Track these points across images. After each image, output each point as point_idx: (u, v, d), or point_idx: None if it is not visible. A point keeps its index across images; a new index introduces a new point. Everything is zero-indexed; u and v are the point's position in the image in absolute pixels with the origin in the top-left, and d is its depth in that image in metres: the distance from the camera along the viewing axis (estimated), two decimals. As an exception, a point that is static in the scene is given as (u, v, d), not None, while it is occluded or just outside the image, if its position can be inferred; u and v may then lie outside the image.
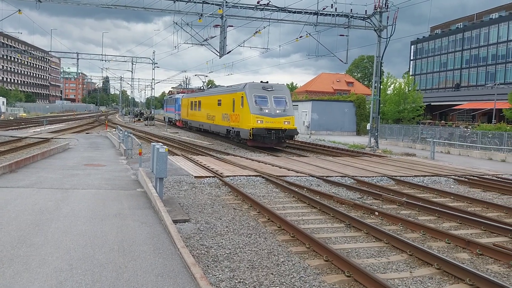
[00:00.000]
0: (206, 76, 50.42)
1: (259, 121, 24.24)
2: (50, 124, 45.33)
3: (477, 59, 74.65)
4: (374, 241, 8.23)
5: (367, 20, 29.55)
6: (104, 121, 52.62)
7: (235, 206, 10.73)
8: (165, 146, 10.74)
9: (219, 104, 30.99)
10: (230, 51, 30.91)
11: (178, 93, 57.89)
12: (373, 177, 15.83)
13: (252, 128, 24.01)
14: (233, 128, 27.47)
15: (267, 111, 24.71)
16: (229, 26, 29.78)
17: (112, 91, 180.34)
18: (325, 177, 15.27)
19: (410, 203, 11.48)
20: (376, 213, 10.37)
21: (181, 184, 13.18)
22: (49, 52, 62.12)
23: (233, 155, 22.12)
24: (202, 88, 49.40)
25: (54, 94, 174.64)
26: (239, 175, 14.74)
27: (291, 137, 26.46)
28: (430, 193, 13.71)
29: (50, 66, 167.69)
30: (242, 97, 25.69)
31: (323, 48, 33.22)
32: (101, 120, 60.68)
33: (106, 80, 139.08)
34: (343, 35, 30.41)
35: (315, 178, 15.23)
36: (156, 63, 64.28)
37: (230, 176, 14.54)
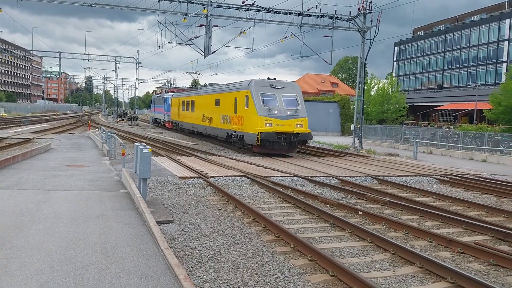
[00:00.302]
0: (198, 73, 43.85)
1: (267, 124, 21.13)
2: (31, 124, 44.61)
3: (458, 60, 75.83)
4: (358, 241, 8.29)
5: (351, 22, 29.77)
6: (87, 121, 51.99)
7: (220, 207, 10.70)
8: (149, 147, 10.65)
9: (217, 104, 27.63)
10: (215, 51, 30.81)
11: (167, 92, 52.77)
12: (357, 177, 15.95)
13: (260, 132, 20.88)
14: (235, 132, 24.06)
15: (276, 112, 21.57)
16: (214, 26, 29.71)
17: (95, 91, 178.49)
18: (310, 177, 15.33)
19: (393, 202, 11.60)
20: (360, 213, 10.44)
21: (165, 185, 13.09)
22: (31, 51, 61.10)
23: (218, 155, 22.07)
24: (194, 86, 44.52)
25: (35, 93, 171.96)
26: (224, 176, 14.71)
27: (304, 142, 23.07)
28: (413, 193, 13.87)
29: (32, 66, 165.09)
30: (247, 96, 22.36)
31: (308, 49, 33.76)
32: (83, 120, 59.94)
33: (89, 80, 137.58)
34: (327, 36, 30.59)
35: (300, 178, 15.28)
36: (140, 63, 63.87)
37: (215, 176, 14.50)
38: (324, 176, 15.85)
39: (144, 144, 12.50)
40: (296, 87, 23.60)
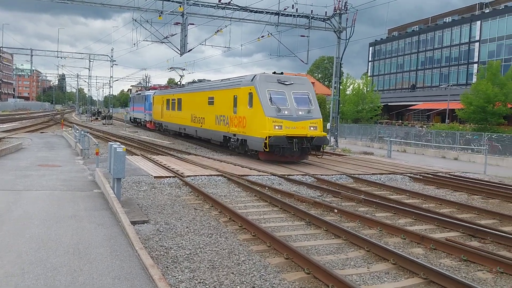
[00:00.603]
0: (184, 69, 37.75)
1: (276, 127, 18.10)
2: (2, 123, 43.40)
3: (431, 61, 77.37)
4: (333, 238, 8.37)
5: (327, 22, 30.04)
6: (59, 120, 50.90)
7: (196, 206, 10.64)
8: (123, 146, 10.50)
9: (211, 103, 24.24)
10: (191, 49, 30.60)
11: (149, 90, 48.22)
12: (332, 175, 16.11)
13: (268, 137, 17.67)
14: (235, 136, 20.76)
15: (286, 112, 18.56)
16: (190, 24, 29.50)
17: (68, 89, 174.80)
18: (286, 176, 15.40)
19: (368, 200, 11.76)
20: (336, 211, 10.55)
21: (140, 185, 12.93)
22: (1, 48, 59.41)
23: (195, 154, 21.93)
24: (179, 83, 37.57)
25: (6, 92, 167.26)
26: (201, 175, 14.63)
27: (319, 148, 19.55)
28: (387, 191, 14.09)
29: (2, 63, 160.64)
30: (251, 93, 19.29)
31: (284, 48, 33.49)
32: (56, 119, 58.65)
33: (62, 78, 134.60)
34: (304, 36, 30.77)
35: (276, 177, 15.33)
36: (115, 61, 62.84)
37: (191, 176, 14.41)
38: (301, 174, 15.94)
39: (118, 143, 12.31)
40: (307, 83, 20.64)
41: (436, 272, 6.27)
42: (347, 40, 28.68)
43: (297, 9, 29.42)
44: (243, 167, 17.13)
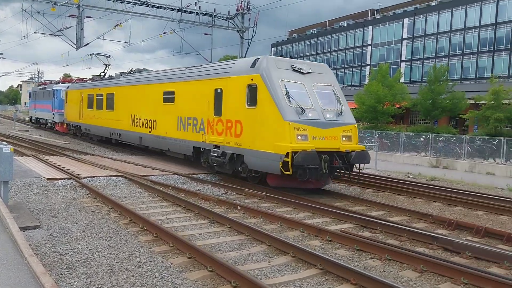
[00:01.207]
0: (108, 56, 29.53)
1: (300, 137, 11.99)
2: None
3: (328, 63, 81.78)
4: (236, 235, 8.48)
5: (230, 21, 30.38)
6: None
7: (94, 209, 10.11)
8: (11, 146, 9.63)
9: (169, 99, 17.57)
10: (88, 44, 29.06)
11: (58, 83, 37.87)
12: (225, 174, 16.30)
13: (293, 152, 11.46)
14: (217, 148, 14.40)
15: (311, 115, 12.48)
16: (87, 17, 28.02)
17: None
18: (191, 175, 15.28)
19: (269, 196, 12.11)
20: (239, 208, 10.71)
21: (31, 188, 11.97)
22: None
23: (92, 154, 20.82)
24: (102, 75, 29.25)
25: None
26: (99, 176, 13.94)
27: (351, 167, 13.19)
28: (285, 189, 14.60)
29: None
30: (253, 85, 12.99)
31: (188, 46, 33.16)
32: None
33: None
34: (207, 34, 30.81)
35: (181, 176, 15.14)
36: (1, 54, 57.38)
37: (88, 177, 13.66)
38: (205, 173, 15.92)
39: (5, 143, 11.26)
40: (329, 72, 14.47)
41: (331, 262, 6.66)
42: (250, 40, 29.18)
43: (200, 6, 29.39)
44: (145, 167, 16.65)
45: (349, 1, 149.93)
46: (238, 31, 30.34)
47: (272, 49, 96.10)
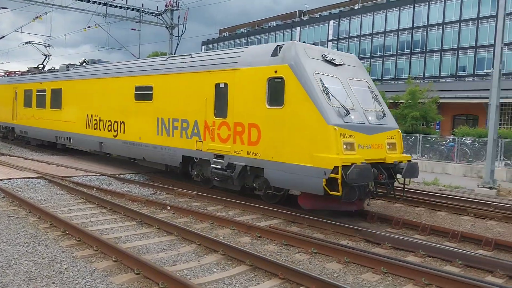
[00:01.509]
0: (48, 46, 25.08)
1: (346, 146, 9.43)
2: None
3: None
4: (165, 235, 8.33)
5: (158, 17, 29.73)
6: None
7: (10, 213, 9.44)
8: None
9: (144, 96, 14.43)
10: (4, 36, 27.08)
11: None
12: (165, 172, 16.01)
13: (344, 166, 8.97)
14: (219, 158, 11.68)
15: (353, 117, 9.97)
16: (2, 7, 26.05)
17: None
18: (117, 175, 14.77)
19: (200, 195, 12.02)
20: (168, 208, 10.53)
21: None
22: None
23: (9, 155, 19.43)
24: (41, 67, 25.31)
25: None
26: (16, 178, 13.04)
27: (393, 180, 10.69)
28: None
29: None
30: (278, 79, 10.30)
31: (114, 41, 32.02)
32: None
33: None
34: (135, 29, 29.93)
35: (106, 176, 14.58)
36: None
37: (4, 179, 12.74)
38: (133, 173, 15.47)
39: None
40: (360, 65, 11.98)
41: (260, 258, 6.75)
42: (180, 37, 28.82)
43: (127, 1, 28.43)
44: (67, 168, 15.84)
45: (277, 2, 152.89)
46: (167, 27, 29.77)
47: (203, 47, 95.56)
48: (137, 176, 15.03)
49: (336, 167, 8.87)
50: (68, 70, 19.80)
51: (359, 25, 65.84)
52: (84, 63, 19.88)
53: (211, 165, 11.82)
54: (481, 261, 7.23)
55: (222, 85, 11.77)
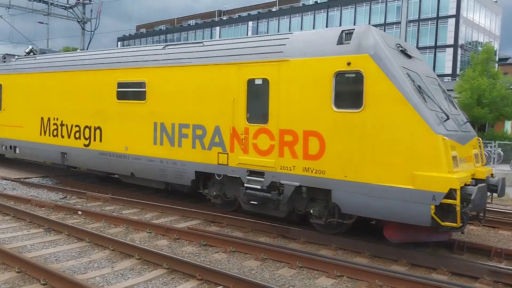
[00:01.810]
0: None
1: (454, 162, 7.31)
2: None
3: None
4: (76, 242, 7.90)
5: (69, 10, 28.16)
6: None
7: None
8: None
9: (133, 95, 11.49)
10: None
11: None
12: (78, 175, 15.19)
13: (462, 190, 6.95)
14: (254, 175, 9.14)
15: (451, 124, 7.93)
16: None
17: None
18: (22, 179, 13.76)
19: (115, 198, 11.56)
20: (80, 212, 9.99)
21: None
22: None
23: None
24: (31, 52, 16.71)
25: None
26: None
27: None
28: (136, 186, 14.05)
29: None
30: (358, 74, 7.91)
31: (19, 34, 29.80)
32: None
33: None
34: (42, 23, 28.07)
35: (9, 181, 13.52)
36: None
37: None
38: (41, 177, 14.48)
39: None
40: (423, 58, 10.09)
41: (177, 260, 6.65)
42: (93, 32, 27.48)
43: (33, -8, 26.58)
44: (-35, 172, 14.44)
45: (197, 0, 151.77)
46: (79, 21, 28.28)
47: (119, 43, 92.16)
48: (45, 180, 14.09)
49: (452, 190, 6.88)
50: (5, 61, 16.02)
51: (276, 27, 67.37)
52: (32, 53, 16.29)
53: (245, 184, 9.22)
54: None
55: (259, 82, 9.25)
